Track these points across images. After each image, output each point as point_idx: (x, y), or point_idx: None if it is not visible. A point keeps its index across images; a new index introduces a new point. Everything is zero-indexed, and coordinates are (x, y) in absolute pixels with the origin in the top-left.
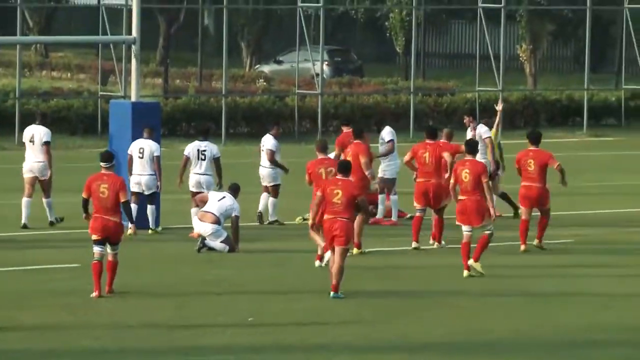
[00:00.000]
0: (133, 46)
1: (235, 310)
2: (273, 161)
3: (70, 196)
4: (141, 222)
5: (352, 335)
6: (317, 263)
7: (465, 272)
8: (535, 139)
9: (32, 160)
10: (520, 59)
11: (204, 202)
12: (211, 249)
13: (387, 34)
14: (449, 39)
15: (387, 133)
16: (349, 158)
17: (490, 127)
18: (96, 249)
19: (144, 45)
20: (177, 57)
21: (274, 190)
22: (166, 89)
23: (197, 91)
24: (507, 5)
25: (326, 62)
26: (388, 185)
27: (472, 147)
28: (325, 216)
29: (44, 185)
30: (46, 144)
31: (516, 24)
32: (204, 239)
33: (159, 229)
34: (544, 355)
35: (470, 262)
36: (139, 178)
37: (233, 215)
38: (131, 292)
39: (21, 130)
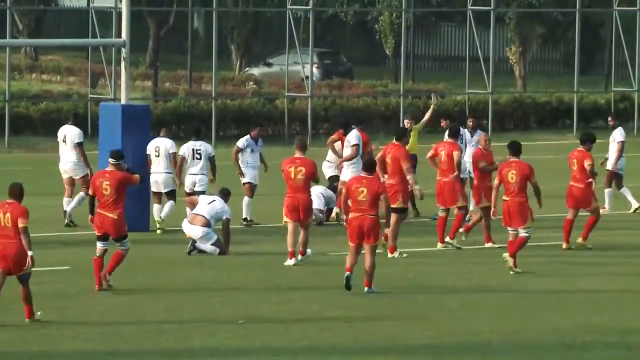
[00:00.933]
0: (123, 49)
1: (225, 313)
2: (235, 158)
3: (61, 199)
4: (140, 224)
5: (342, 337)
6: (288, 262)
7: (513, 268)
8: (583, 140)
9: (65, 160)
10: (510, 61)
11: (193, 204)
12: (202, 251)
13: (377, 37)
14: (439, 42)
15: (353, 136)
16: (388, 160)
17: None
18: (98, 245)
19: (134, 48)
20: (167, 60)
21: (249, 190)
22: (156, 92)
23: (186, 94)
24: (496, 7)
25: (316, 65)
26: None
27: (515, 148)
28: (351, 214)
29: (81, 183)
30: (78, 145)
31: (505, 27)
32: (194, 241)
33: (158, 231)
34: (535, 357)
35: (505, 255)
36: (156, 177)
37: (224, 217)
38: (122, 293)
39: (11, 133)
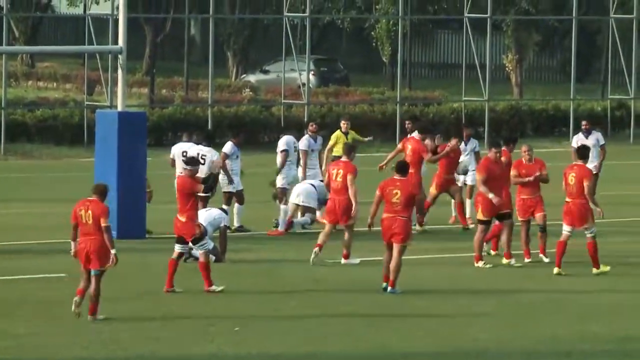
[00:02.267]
0: (119, 56)
1: (222, 320)
2: (223, 165)
3: (58, 206)
4: (136, 231)
5: (338, 343)
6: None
7: (556, 270)
8: None
9: None
10: (507, 68)
11: None
12: (198, 259)
13: (374, 44)
14: (435, 49)
15: (281, 143)
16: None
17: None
18: (176, 247)
19: (130, 55)
20: (163, 67)
21: (238, 197)
22: (152, 99)
23: (183, 101)
24: (493, 15)
25: (312, 72)
26: (281, 194)
27: (583, 153)
28: (384, 215)
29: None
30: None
31: (502, 34)
32: (190, 248)
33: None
34: None
35: (594, 271)
36: None
37: (222, 225)
38: (118, 301)
39: (7, 140)
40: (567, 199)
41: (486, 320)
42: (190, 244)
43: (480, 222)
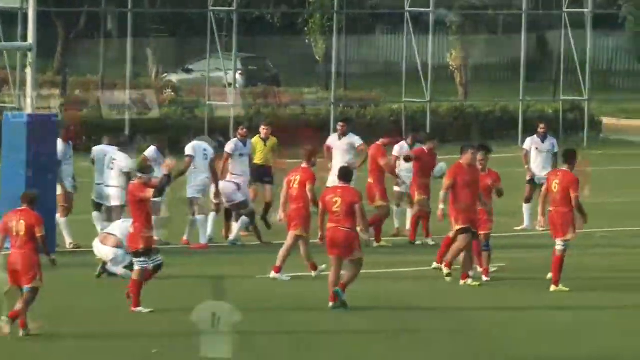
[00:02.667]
0: (29, 53)
1: (138, 341)
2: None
3: None
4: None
5: None
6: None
7: (553, 288)
8: None
9: None
10: (451, 67)
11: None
12: (112, 274)
13: (306, 40)
14: (374, 46)
15: (187, 148)
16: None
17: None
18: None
19: (41, 52)
20: (77, 65)
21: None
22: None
23: (98, 102)
24: (436, 9)
25: (239, 71)
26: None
27: (566, 156)
28: (328, 225)
29: None
30: None
31: (446, 30)
32: (104, 263)
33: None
34: None
35: (552, 288)
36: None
37: None
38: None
39: None
40: (550, 208)
41: (430, 341)
42: (134, 256)
43: (459, 231)
